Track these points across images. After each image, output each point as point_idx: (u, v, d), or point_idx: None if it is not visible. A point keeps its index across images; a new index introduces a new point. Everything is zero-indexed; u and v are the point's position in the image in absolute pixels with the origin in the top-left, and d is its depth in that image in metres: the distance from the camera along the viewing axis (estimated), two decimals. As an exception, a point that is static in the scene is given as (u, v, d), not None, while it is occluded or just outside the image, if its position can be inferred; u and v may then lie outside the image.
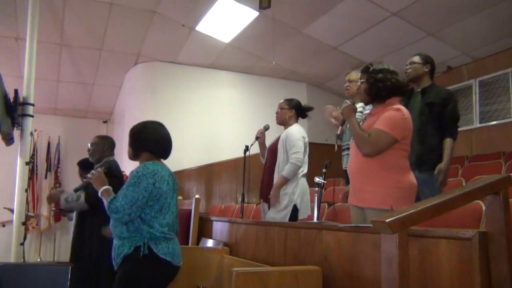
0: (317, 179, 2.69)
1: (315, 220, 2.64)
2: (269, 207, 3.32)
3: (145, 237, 2.13)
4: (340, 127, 2.63)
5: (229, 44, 6.32)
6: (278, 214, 3.15)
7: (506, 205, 1.33)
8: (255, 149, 3.61)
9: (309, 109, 3.47)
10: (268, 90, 7.23)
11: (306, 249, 2.26)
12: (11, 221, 3.65)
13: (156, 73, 6.91)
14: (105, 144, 3.35)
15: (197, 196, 3.97)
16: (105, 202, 2.21)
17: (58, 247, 8.11)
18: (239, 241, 3.15)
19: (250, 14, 5.48)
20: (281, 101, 3.46)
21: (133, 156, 2.36)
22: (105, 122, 9.10)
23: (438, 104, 2.90)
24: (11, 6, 5.26)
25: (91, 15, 5.62)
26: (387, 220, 1.25)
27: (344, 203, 3.33)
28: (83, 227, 3.14)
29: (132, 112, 6.97)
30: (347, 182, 3.57)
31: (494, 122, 5.74)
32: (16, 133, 3.65)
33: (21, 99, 3.60)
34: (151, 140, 2.31)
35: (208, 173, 6.48)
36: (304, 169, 3.25)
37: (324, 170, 2.90)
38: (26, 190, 3.57)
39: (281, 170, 3.21)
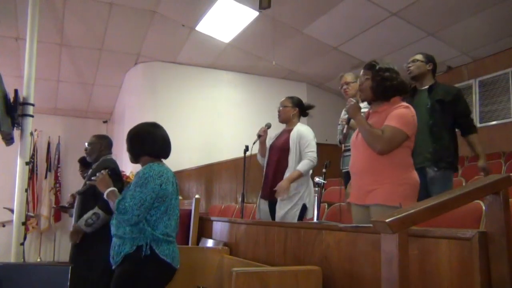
0: (317, 179, 2.69)
1: (315, 220, 2.64)
2: (271, 204, 3.29)
3: (147, 238, 2.14)
4: (345, 127, 2.62)
5: (229, 44, 6.32)
6: (288, 212, 3.13)
7: (506, 205, 1.33)
8: (255, 149, 3.60)
9: (311, 107, 3.46)
10: (268, 90, 7.23)
11: (306, 249, 2.26)
12: (11, 221, 3.65)
13: (156, 73, 6.91)
14: (103, 143, 3.35)
15: (197, 196, 3.96)
16: (112, 204, 2.20)
17: (58, 247, 8.11)
18: (239, 241, 3.15)
19: (250, 14, 5.48)
20: (283, 99, 3.45)
21: (134, 160, 2.36)
22: (105, 122, 9.10)
23: (448, 101, 2.92)
24: (11, 6, 5.26)
25: (91, 15, 5.62)
26: (387, 220, 1.24)
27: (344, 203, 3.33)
28: None
29: (132, 112, 6.97)
30: (345, 185, 3.57)
31: (494, 122, 5.74)
32: (16, 133, 3.65)
33: (21, 99, 3.60)
34: (148, 143, 2.31)
35: (208, 173, 6.48)
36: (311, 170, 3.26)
37: (324, 170, 2.90)
38: (26, 190, 3.57)
39: (292, 167, 3.19)
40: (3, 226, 5.69)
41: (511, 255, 1.28)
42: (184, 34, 6.10)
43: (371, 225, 1.68)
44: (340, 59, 6.37)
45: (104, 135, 3.62)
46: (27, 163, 3.56)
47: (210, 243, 3.65)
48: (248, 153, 3.64)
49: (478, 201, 2.03)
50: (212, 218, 4.01)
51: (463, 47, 5.75)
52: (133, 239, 2.14)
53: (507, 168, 4.42)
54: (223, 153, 6.51)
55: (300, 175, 3.13)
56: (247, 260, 2.75)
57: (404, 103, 2.26)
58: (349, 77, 3.38)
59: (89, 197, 3.09)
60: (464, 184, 3.34)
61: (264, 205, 3.37)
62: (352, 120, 2.45)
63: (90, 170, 3.29)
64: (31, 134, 3.70)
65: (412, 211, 1.30)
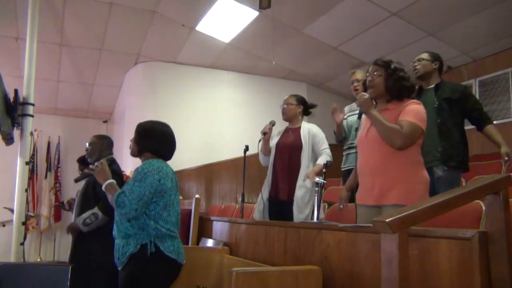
0: (317, 179, 2.69)
1: (315, 220, 2.64)
2: (276, 204, 3.26)
3: (151, 235, 2.13)
4: (358, 121, 2.58)
5: (229, 44, 6.32)
6: (302, 213, 3.11)
7: (506, 205, 1.33)
8: (255, 149, 3.58)
9: (313, 106, 3.46)
10: (268, 90, 7.23)
11: (306, 249, 2.26)
12: (11, 221, 3.65)
13: (156, 73, 6.91)
14: (103, 144, 3.35)
15: (197, 196, 3.96)
16: (109, 197, 2.20)
17: (58, 247, 8.11)
18: (239, 241, 3.15)
19: (250, 14, 5.48)
20: (287, 97, 3.43)
21: (137, 153, 2.35)
22: (105, 122, 9.10)
23: (456, 99, 2.91)
24: (11, 6, 5.26)
25: (91, 15, 5.62)
26: (387, 220, 1.25)
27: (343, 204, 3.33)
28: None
29: (132, 112, 6.97)
30: (345, 183, 3.56)
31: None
32: (16, 133, 3.65)
33: (21, 99, 3.60)
34: (158, 142, 2.34)
35: (208, 173, 6.48)
36: None
37: (324, 170, 2.89)
38: (26, 190, 3.57)
39: (305, 165, 3.19)
40: (3, 226, 5.70)
41: (511, 255, 1.28)
42: (184, 34, 6.10)
43: (371, 225, 1.68)
44: (340, 59, 6.37)
45: (105, 135, 3.62)
46: (27, 163, 3.56)
47: (210, 243, 3.65)
48: (248, 153, 3.64)
49: (478, 201, 2.03)
50: (212, 218, 4.01)
51: (463, 47, 5.75)
52: (136, 238, 2.13)
53: (507, 168, 4.41)
54: (223, 153, 6.51)
55: (322, 169, 3.07)
56: (247, 260, 2.75)
57: (415, 100, 2.24)
58: (360, 74, 3.37)
59: (90, 196, 3.10)
60: (464, 184, 3.34)
61: (267, 203, 3.30)
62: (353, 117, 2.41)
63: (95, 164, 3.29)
64: (31, 134, 3.71)
65: (412, 211, 1.30)
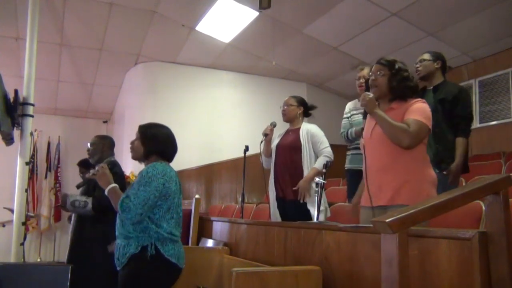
0: (317, 179, 2.69)
1: (315, 220, 2.64)
2: (281, 204, 3.25)
3: (152, 237, 2.14)
4: (363, 121, 2.56)
5: (229, 44, 6.32)
6: (321, 216, 3.08)
7: (506, 205, 1.33)
8: (255, 149, 3.58)
9: (314, 107, 3.45)
10: (268, 90, 7.23)
11: (306, 249, 2.26)
12: (11, 221, 3.65)
13: (156, 73, 6.91)
14: (105, 144, 3.34)
15: (197, 196, 3.97)
16: (113, 201, 2.20)
17: (58, 247, 8.11)
18: (239, 241, 3.15)
19: (250, 14, 5.48)
20: (287, 98, 3.42)
21: (143, 156, 2.33)
22: (105, 122, 9.10)
23: (448, 100, 2.88)
24: (11, 6, 5.26)
25: (91, 15, 5.62)
26: (387, 220, 1.24)
27: (344, 203, 3.33)
28: (83, 228, 3.13)
29: (132, 112, 6.98)
30: (349, 183, 3.55)
31: (494, 122, 5.73)
32: (16, 133, 3.65)
33: (21, 99, 3.60)
34: (164, 145, 2.35)
35: (208, 173, 6.48)
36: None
37: (324, 170, 2.89)
38: (26, 190, 3.57)
39: (306, 165, 3.17)
40: (3, 226, 5.69)
41: (511, 255, 1.28)
42: (184, 34, 6.10)
43: (371, 225, 1.68)
44: (340, 59, 6.38)
45: (106, 136, 3.62)
46: (27, 163, 3.56)
47: (210, 243, 3.65)
48: (248, 153, 3.64)
49: (478, 201, 2.03)
50: (212, 218, 4.01)
51: (463, 47, 5.75)
52: (137, 240, 2.13)
53: (507, 168, 4.42)
54: (223, 153, 6.51)
55: (318, 173, 3.08)
56: (247, 260, 2.75)
57: (420, 98, 2.23)
58: (367, 71, 3.34)
59: (90, 194, 3.10)
60: (464, 184, 3.34)
61: (274, 207, 3.29)
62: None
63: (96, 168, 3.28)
64: (31, 134, 3.70)
65: (412, 211, 1.30)
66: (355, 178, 3.21)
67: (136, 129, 2.42)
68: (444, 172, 2.79)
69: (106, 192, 2.24)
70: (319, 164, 3.11)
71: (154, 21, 5.78)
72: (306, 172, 3.17)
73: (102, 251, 2.89)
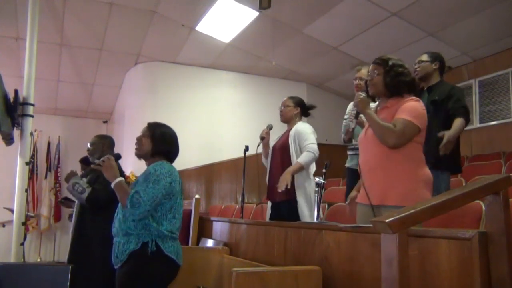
0: (317, 179, 2.69)
1: (315, 220, 2.64)
2: (275, 206, 3.27)
3: (153, 234, 2.14)
4: (354, 120, 2.57)
5: (229, 44, 6.32)
6: (312, 217, 3.08)
7: (506, 205, 1.33)
8: (255, 149, 3.58)
9: (312, 107, 3.45)
10: (268, 90, 7.23)
11: (306, 249, 2.26)
12: (11, 221, 3.65)
13: (156, 73, 6.91)
14: (105, 144, 3.35)
15: (197, 196, 3.97)
16: (119, 195, 2.19)
17: (58, 247, 8.11)
18: (239, 241, 3.15)
19: (250, 14, 5.48)
20: (285, 98, 3.43)
21: (149, 154, 2.33)
22: (105, 122, 9.10)
23: (441, 101, 2.87)
24: (11, 6, 5.26)
25: (91, 15, 5.62)
26: (387, 220, 1.24)
27: (344, 203, 3.32)
28: (83, 228, 3.13)
29: (132, 112, 6.98)
30: (348, 181, 3.56)
31: (494, 122, 5.74)
32: (16, 133, 3.66)
33: (21, 99, 3.60)
34: (171, 146, 2.37)
35: (208, 173, 6.48)
36: (313, 168, 3.23)
37: (324, 170, 2.89)
38: (26, 190, 3.58)
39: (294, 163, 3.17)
40: (3, 226, 5.70)
41: (511, 255, 1.28)
42: (184, 34, 6.10)
43: (371, 225, 1.68)
44: (340, 59, 6.37)
45: (106, 135, 3.62)
46: (27, 163, 3.56)
47: (210, 243, 3.65)
48: (248, 153, 3.64)
49: (478, 201, 2.03)
50: (212, 218, 4.01)
51: (463, 47, 5.75)
52: (138, 236, 2.14)
53: (507, 168, 4.42)
54: (223, 153, 6.51)
55: (301, 168, 3.08)
56: (247, 260, 2.75)
57: (414, 97, 2.22)
58: (364, 72, 3.35)
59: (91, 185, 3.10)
60: (464, 184, 3.34)
61: (268, 208, 3.34)
62: (360, 116, 2.40)
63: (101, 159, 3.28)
64: (31, 134, 3.71)
65: (412, 211, 1.30)
66: (353, 177, 3.21)
67: (136, 129, 2.42)
68: (444, 140, 2.70)
69: (112, 185, 2.22)
70: (302, 158, 3.10)
71: (154, 21, 5.78)
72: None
73: (102, 250, 2.89)
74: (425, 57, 3.05)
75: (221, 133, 6.92)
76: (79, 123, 8.76)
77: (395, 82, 2.20)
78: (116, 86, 7.70)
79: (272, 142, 3.48)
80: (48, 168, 8.31)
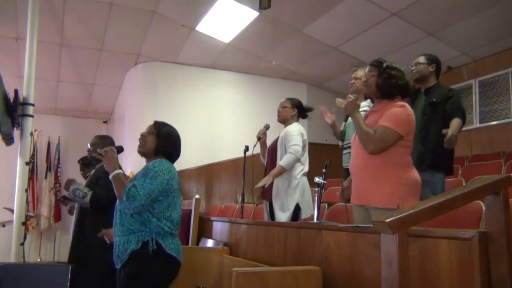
0: (317, 179, 2.69)
1: (315, 220, 2.64)
2: (270, 206, 3.31)
3: (152, 232, 2.14)
4: (343, 124, 2.61)
5: (229, 44, 6.32)
6: (284, 216, 3.15)
7: (506, 205, 1.33)
8: (255, 149, 3.61)
9: (309, 109, 3.50)
10: (268, 90, 7.23)
11: (306, 249, 2.26)
12: (11, 221, 3.65)
13: (156, 73, 6.91)
14: (105, 144, 3.33)
15: (197, 196, 3.96)
16: (116, 187, 2.19)
17: (58, 247, 8.11)
18: (239, 241, 3.15)
19: (250, 14, 5.48)
20: (283, 100, 3.48)
21: (152, 151, 2.33)
22: (105, 122, 9.10)
23: (439, 103, 2.90)
24: (11, 6, 5.26)
25: (91, 15, 5.62)
26: (387, 220, 1.24)
27: (342, 203, 3.32)
28: (83, 228, 3.13)
29: (132, 112, 6.98)
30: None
31: (494, 122, 5.74)
32: (16, 133, 3.66)
33: (21, 99, 3.60)
34: (174, 147, 2.38)
35: (208, 173, 6.48)
36: (305, 168, 3.26)
37: (324, 170, 2.89)
38: (26, 190, 3.58)
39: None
40: (3, 226, 5.70)
41: (511, 255, 1.28)
42: (184, 34, 6.10)
43: (371, 225, 1.68)
44: (340, 59, 6.38)
45: (106, 135, 3.62)
46: (27, 163, 3.56)
47: (210, 243, 3.65)
48: (248, 153, 3.64)
49: (478, 201, 2.03)
50: (212, 218, 4.01)
51: (463, 47, 5.75)
52: (138, 235, 2.13)
53: (507, 168, 4.42)
54: (223, 153, 6.51)
55: (282, 170, 3.15)
56: (247, 260, 2.75)
57: (400, 102, 2.24)
58: (360, 72, 3.37)
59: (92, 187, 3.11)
60: (464, 184, 3.34)
61: (267, 205, 3.41)
62: (349, 118, 2.43)
63: (93, 170, 3.29)
64: (31, 134, 3.71)
65: (412, 211, 1.30)
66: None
67: (136, 129, 2.42)
68: (448, 135, 2.70)
69: (110, 177, 2.22)
70: (283, 161, 3.16)
71: (154, 21, 5.78)
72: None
73: (102, 250, 2.89)
74: (422, 59, 3.06)
75: (221, 133, 6.92)
76: (79, 123, 8.76)
77: (386, 84, 2.24)
78: (116, 86, 7.70)
79: (270, 142, 3.52)
80: (48, 168, 8.31)
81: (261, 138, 3.49)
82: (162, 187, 2.17)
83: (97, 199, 2.96)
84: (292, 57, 6.72)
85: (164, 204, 2.20)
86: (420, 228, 1.56)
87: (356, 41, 5.82)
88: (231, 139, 6.66)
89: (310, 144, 3.39)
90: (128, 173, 5.62)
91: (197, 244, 3.77)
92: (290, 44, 6.18)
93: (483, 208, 2.01)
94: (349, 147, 3.45)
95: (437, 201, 1.36)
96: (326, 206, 3.48)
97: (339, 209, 3.27)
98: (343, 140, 3.62)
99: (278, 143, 3.32)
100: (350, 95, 2.36)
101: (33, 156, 7.56)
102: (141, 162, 2.41)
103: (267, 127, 3.52)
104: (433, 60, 3.07)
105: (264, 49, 6.35)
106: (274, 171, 3.17)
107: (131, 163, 5.89)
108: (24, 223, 3.54)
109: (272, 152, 3.42)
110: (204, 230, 3.91)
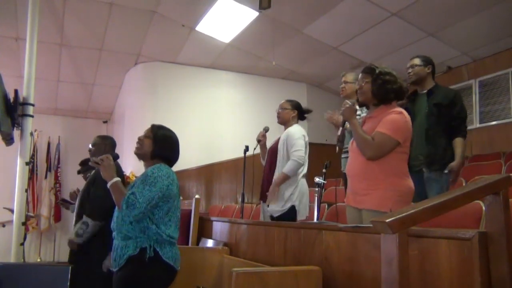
0: (317, 179, 2.69)
1: (315, 220, 2.64)
2: (266, 206, 3.33)
3: (151, 239, 2.13)
4: (340, 129, 2.62)
5: (229, 44, 6.32)
6: (277, 206, 3.17)
7: (506, 205, 1.33)
8: (257, 150, 3.62)
9: (308, 111, 3.50)
10: (268, 90, 7.23)
11: (306, 249, 2.26)
12: (11, 221, 3.65)
13: (156, 73, 6.91)
14: (106, 144, 3.34)
15: (197, 196, 3.97)
16: (114, 195, 2.19)
17: (58, 247, 8.11)
18: (239, 241, 3.15)
19: (250, 14, 5.48)
20: (282, 101, 3.48)
21: (149, 155, 2.32)
22: (105, 122, 9.10)
23: (445, 105, 2.92)
24: (11, 6, 5.26)
25: (91, 15, 5.62)
26: (387, 220, 1.24)
27: (343, 203, 3.32)
28: None
29: (132, 112, 6.97)
30: (345, 185, 3.57)
31: (494, 122, 5.74)
32: (16, 133, 3.66)
33: (21, 99, 3.60)
34: (172, 151, 2.37)
35: (208, 173, 6.48)
36: (304, 169, 3.26)
37: (324, 171, 2.89)
38: (26, 190, 3.58)
39: (279, 168, 3.22)
40: (3, 226, 5.70)
41: (511, 255, 1.28)
42: (184, 34, 6.10)
43: (371, 225, 1.68)
44: (340, 59, 6.37)
45: (107, 136, 3.62)
46: (27, 163, 3.56)
47: (210, 243, 3.65)
48: (248, 153, 3.65)
49: (478, 201, 2.03)
50: (212, 218, 4.01)
51: (463, 47, 5.75)
52: (136, 241, 2.13)
53: (507, 168, 4.42)
54: (223, 153, 6.51)
55: (286, 177, 3.15)
56: (247, 260, 2.75)
57: (398, 109, 2.26)
58: (349, 77, 3.39)
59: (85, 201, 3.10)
60: (464, 184, 3.34)
61: (264, 207, 3.40)
62: (346, 123, 2.45)
63: (93, 171, 3.28)
64: (31, 134, 3.71)
65: (412, 211, 1.30)
66: None
67: (136, 129, 2.42)
68: (446, 171, 2.83)
69: (108, 185, 2.21)
70: (286, 168, 3.15)
71: (154, 21, 5.78)
72: (276, 175, 3.25)
73: (102, 250, 2.89)
74: (418, 61, 3.07)
75: (221, 133, 6.92)
76: (79, 123, 8.76)
77: (382, 90, 2.26)
78: (116, 86, 7.70)
79: (270, 143, 3.52)
80: (48, 168, 8.31)
81: (261, 140, 3.50)
82: (162, 193, 2.16)
83: (93, 213, 2.91)
84: (292, 57, 6.72)
85: (164, 209, 2.19)
86: (420, 228, 1.56)
87: (356, 41, 5.82)
88: (231, 139, 6.66)
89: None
90: (128, 173, 5.62)
91: (197, 244, 3.77)
92: (290, 44, 6.18)
93: (483, 208, 2.01)
94: (348, 151, 3.47)
95: (437, 201, 1.36)
96: (326, 206, 3.48)
97: (339, 209, 3.27)
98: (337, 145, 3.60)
99: (279, 145, 3.31)
100: (347, 101, 2.38)
101: (33, 156, 7.56)
102: (141, 162, 2.40)
103: (266, 130, 3.53)
104: (428, 61, 3.08)
105: (264, 49, 6.35)
106: (278, 179, 3.17)
107: (131, 163, 5.89)
108: (24, 223, 3.53)
109: (272, 153, 3.41)
110: (204, 230, 3.91)
